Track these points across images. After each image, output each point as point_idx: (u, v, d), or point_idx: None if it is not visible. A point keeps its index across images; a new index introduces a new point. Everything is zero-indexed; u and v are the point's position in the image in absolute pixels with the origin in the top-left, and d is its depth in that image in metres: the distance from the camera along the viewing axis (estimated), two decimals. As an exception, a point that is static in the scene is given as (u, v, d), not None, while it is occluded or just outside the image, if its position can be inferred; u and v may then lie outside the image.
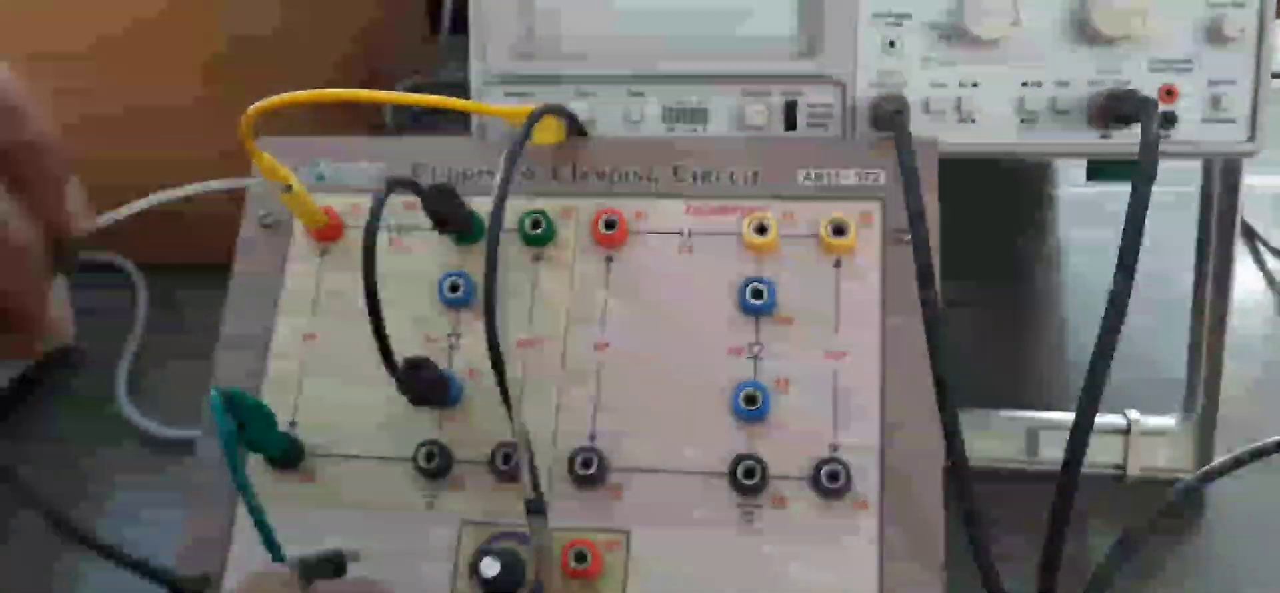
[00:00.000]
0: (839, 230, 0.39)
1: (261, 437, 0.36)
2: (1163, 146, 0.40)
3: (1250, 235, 0.57)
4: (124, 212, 0.36)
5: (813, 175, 0.40)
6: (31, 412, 0.58)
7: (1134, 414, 0.45)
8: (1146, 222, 0.58)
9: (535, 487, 0.34)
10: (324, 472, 0.38)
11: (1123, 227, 0.34)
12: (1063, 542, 0.34)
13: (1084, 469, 0.44)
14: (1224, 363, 0.45)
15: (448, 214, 0.38)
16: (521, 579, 0.35)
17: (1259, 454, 0.40)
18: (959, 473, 0.34)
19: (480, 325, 0.39)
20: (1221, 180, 0.45)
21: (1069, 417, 0.45)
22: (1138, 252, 0.34)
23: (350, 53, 0.63)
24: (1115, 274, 0.33)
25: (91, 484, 0.54)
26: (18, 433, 0.57)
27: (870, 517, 0.36)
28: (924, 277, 0.35)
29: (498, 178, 0.35)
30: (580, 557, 0.36)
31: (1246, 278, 0.55)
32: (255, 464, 0.38)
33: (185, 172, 0.37)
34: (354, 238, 0.41)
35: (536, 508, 0.34)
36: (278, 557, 0.32)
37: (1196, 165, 0.45)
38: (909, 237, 0.38)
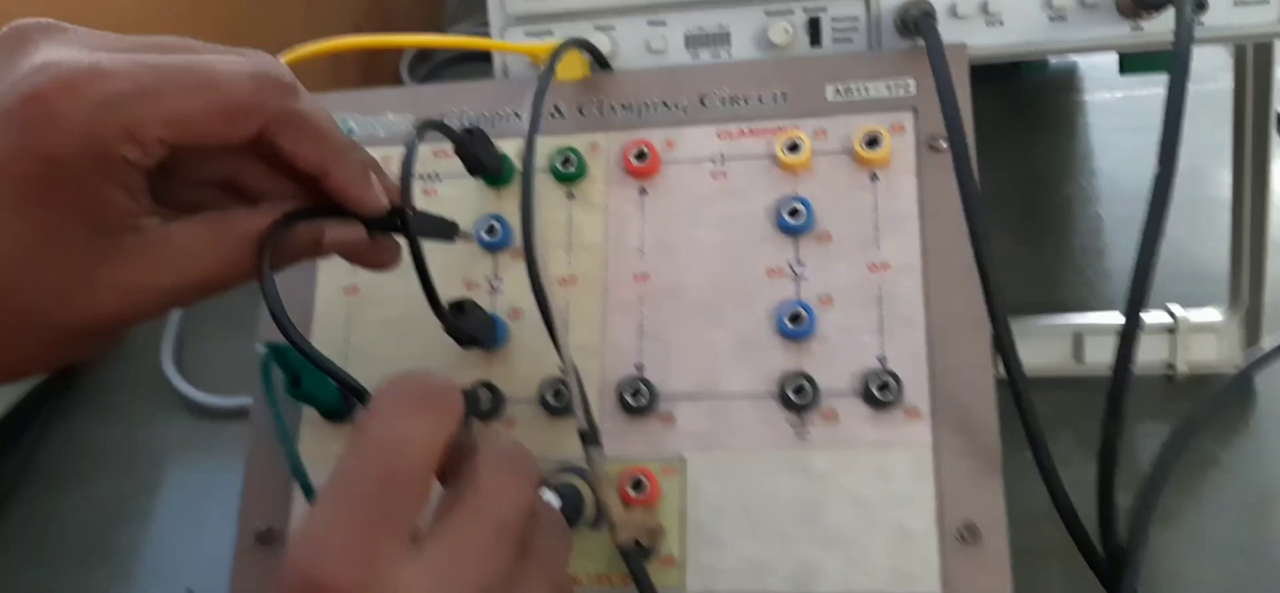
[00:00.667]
0: (872, 142, 0.38)
1: (314, 389, 0.36)
2: (1197, 33, 0.39)
3: (1286, 126, 0.56)
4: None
5: (842, 90, 0.40)
6: (80, 384, 0.58)
7: (1179, 310, 0.45)
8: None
9: (588, 416, 0.34)
10: (376, 422, 0.39)
11: (1163, 115, 0.33)
12: (1119, 437, 0.34)
13: (1132, 374, 0.45)
14: (1267, 254, 0.44)
15: (480, 157, 0.38)
16: (581, 511, 0.36)
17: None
18: (1014, 381, 0.33)
19: (519, 267, 0.39)
20: (1254, 68, 0.44)
21: (1114, 318, 0.46)
22: (1178, 140, 0.33)
23: (362, 15, 0.63)
24: (1157, 164, 0.33)
25: (143, 455, 0.55)
26: (68, 406, 0.58)
27: (922, 425, 0.36)
28: (966, 190, 0.34)
29: (527, 112, 0.35)
30: (637, 484, 0.36)
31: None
32: (310, 416, 0.38)
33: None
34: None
35: (591, 437, 0.34)
36: (300, 477, 0.33)
37: (1226, 63, 0.45)
38: (944, 144, 0.38)
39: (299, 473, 0.34)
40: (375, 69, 0.70)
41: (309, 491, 0.34)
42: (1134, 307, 0.33)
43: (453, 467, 0.27)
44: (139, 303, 0.29)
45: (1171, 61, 0.33)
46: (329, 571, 0.24)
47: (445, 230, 0.36)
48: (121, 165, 0.27)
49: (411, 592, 0.24)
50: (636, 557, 0.35)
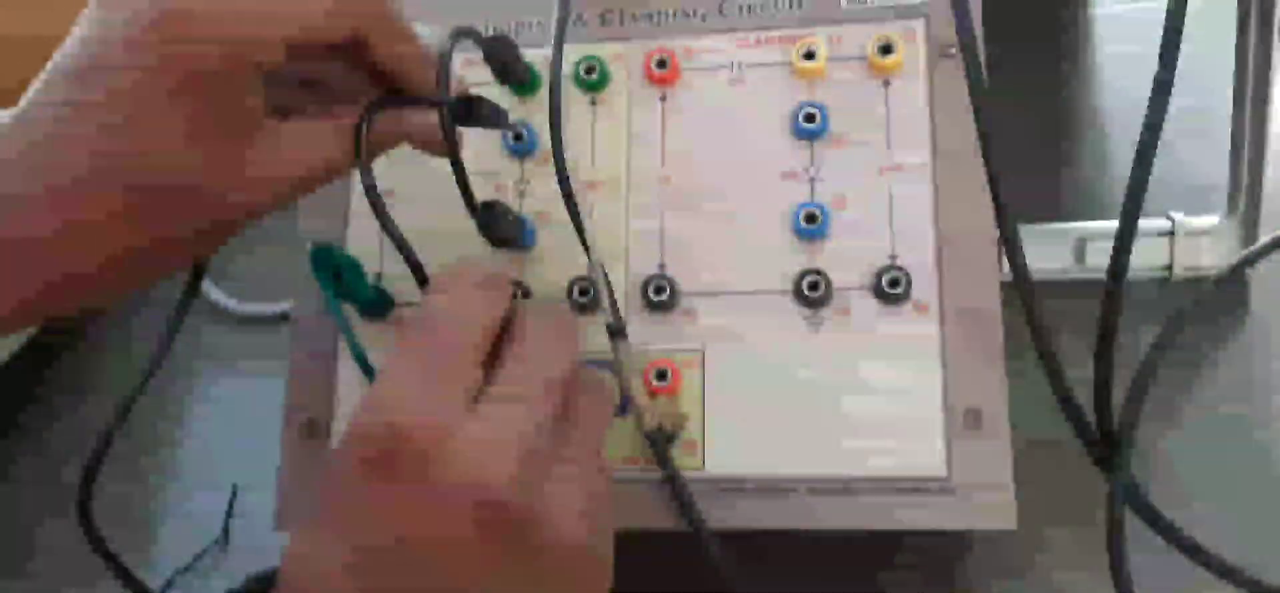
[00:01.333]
0: (886, 50, 0.40)
1: (353, 287, 0.38)
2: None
3: (1289, 38, 0.57)
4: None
5: (857, -1, 0.41)
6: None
7: (1178, 216, 0.47)
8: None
9: (615, 311, 0.36)
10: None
11: (1165, 17, 0.34)
12: (1115, 326, 0.36)
13: (1131, 273, 0.46)
14: (1265, 162, 0.46)
15: (507, 64, 0.40)
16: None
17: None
18: (1018, 276, 0.35)
19: (545, 172, 0.41)
20: (1260, -24, 0.45)
21: (1115, 225, 0.47)
22: (1179, 43, 0.34)
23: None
24: (1157, 70, 0.34)
25: (180, 362, 0.57)
26: (105, 317, 0.60)
27: (930, 319, 0.38)
28: (976, 95, 0.36)
29: (552, 22, 0.36)
30: (661, 375, 0.38)
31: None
32: (348, 314, 0.40)
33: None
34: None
35: (618, 330, 0.36)
36: (369, 374, 0.35)
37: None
38: (955, 51, 0.39)
39: (359, 356, 0.36)
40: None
41: (370, 372, 0.36)
42: (1134, 190, 0.34)
43: (504, 338, 0.31)
44: (270, 194, 0.32)
45: None
46: (403, 417, 0.27)
47: (501, 118, 0.38)
48: (252, 70, 0.30)
49: (471, 438, 0.27)
50: (661, 441, 0.37)
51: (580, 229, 0.36)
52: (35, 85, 0.30)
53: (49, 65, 0.30)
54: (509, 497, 0.27)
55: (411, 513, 0.27)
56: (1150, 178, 0.42)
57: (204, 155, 0.30)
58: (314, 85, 0.35)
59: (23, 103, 0.30)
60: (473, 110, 0.35)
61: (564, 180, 0.36)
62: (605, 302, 0.36)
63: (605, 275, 0.36)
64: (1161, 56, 0.33)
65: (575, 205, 0.36)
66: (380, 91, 0.34)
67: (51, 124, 0.29)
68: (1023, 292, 0.35)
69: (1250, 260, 0.40)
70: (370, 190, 0.34)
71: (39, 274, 0.30)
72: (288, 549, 0.28)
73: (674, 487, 0.37)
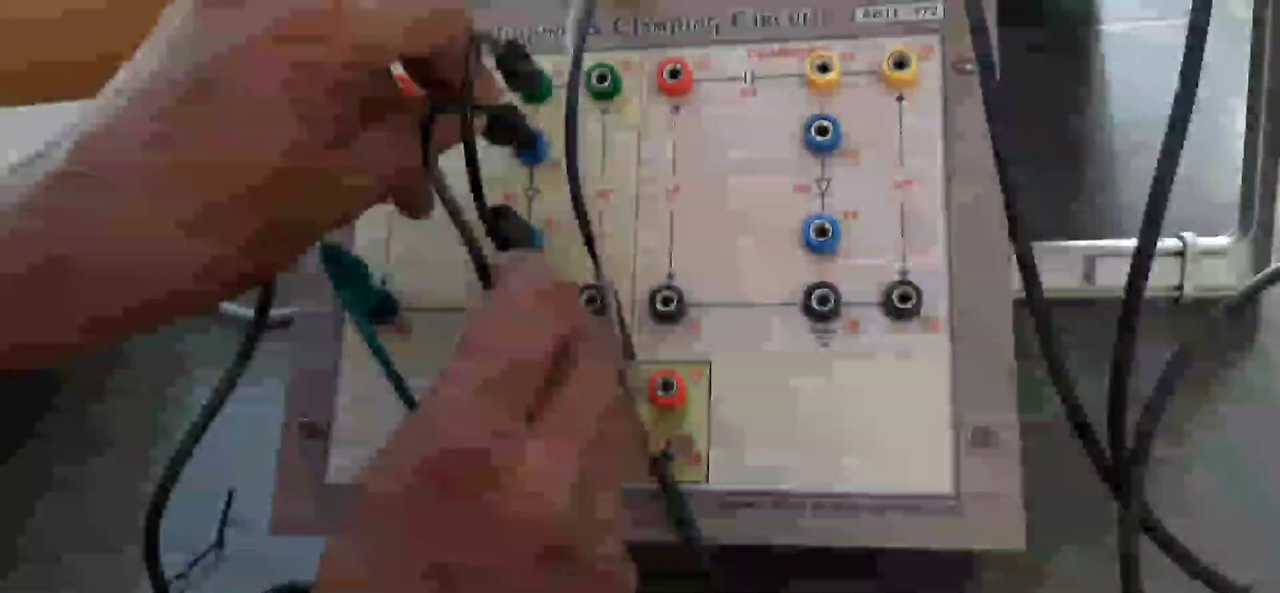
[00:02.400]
0: (900, 64, 0.39)
1: (360, 289, 0.38)
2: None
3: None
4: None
5: (871, 12, 0.41)
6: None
7: (1189, 236, 0.46)
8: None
9: (624, 333, 0.36)
10: (418, 324, 0.40)
11: (1187, 36, 0.34)
12: (1131, 352, 0.35)
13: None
14: (1279, 181, 0.45)
15: (520, 70, 0.39)
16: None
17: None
18: (1032, 296, 0.35)
19: (554, 178, 0.41)
20: (1274, -1, 0.45)
21: (1126, 243, 0.47)
22: (1200, 62, 0.34)
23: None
24: (1178, 86, 0.34)
25: (179, 364, 0.57)
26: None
27: (941, 335, 0.37)
28: (992, 112, 0.35)
29: (569, 32, 0.36)
30: (666, 386, 0.38)
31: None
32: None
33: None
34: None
35: (626, 353, 0.36)
36: (393, 377, 0.35)
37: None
38: (970, 67, 0.39)
39: (378, 350, 0.35)
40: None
41: (388, 365, 0.35)
42: (1154, 207, 0.34)
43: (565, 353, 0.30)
44: (357, 203, 0.32)
45: None
46: (464, 436, 0.27)
47: (533, 138, 0.40)
48: (367, 77, 0.30)
49: (532, 461, 0.27)
50: (663, 462, 0.37)
51: (592, 249, 0.36)
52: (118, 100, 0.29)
53: (131, 77, 0.29)
54: (566, 526, 0.27)
55: (469, 537, 0.27)
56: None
57: (315, 163, 0.29)
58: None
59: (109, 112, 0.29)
60: (515, 126, 0.36)
61: (579, 202, 0.35)
62: (615, 325, 0.35)
63: (618, 298, 0.36)
64: (1183, 73, 0.33)
65: (588, 227, 0.35)
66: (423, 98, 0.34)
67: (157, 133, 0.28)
68: (1037, 314, 0.35)
69: (1260, 287, 0.40)
70: (443, 190, 0.33)
71: (136, 290, 0.29)
72: (326, 557, 0.28)
73: (670, 506, 0.37)
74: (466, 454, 0.26)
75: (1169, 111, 0.33)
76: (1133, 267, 0.34)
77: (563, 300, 0.31)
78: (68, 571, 0.51)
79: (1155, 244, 0.34)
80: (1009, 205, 0.35)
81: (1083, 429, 0.36)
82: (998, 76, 0.38)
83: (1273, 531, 0.41)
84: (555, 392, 0.29)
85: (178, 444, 0.50)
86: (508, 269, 0.31)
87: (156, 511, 0.38)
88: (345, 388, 0.40)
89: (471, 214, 0.34)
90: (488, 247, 0.38)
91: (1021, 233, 0.35)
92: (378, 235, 0.42)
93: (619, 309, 0.36)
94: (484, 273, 0.33)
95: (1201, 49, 0.33)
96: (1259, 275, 0.41)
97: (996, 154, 0.35)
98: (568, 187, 0.36)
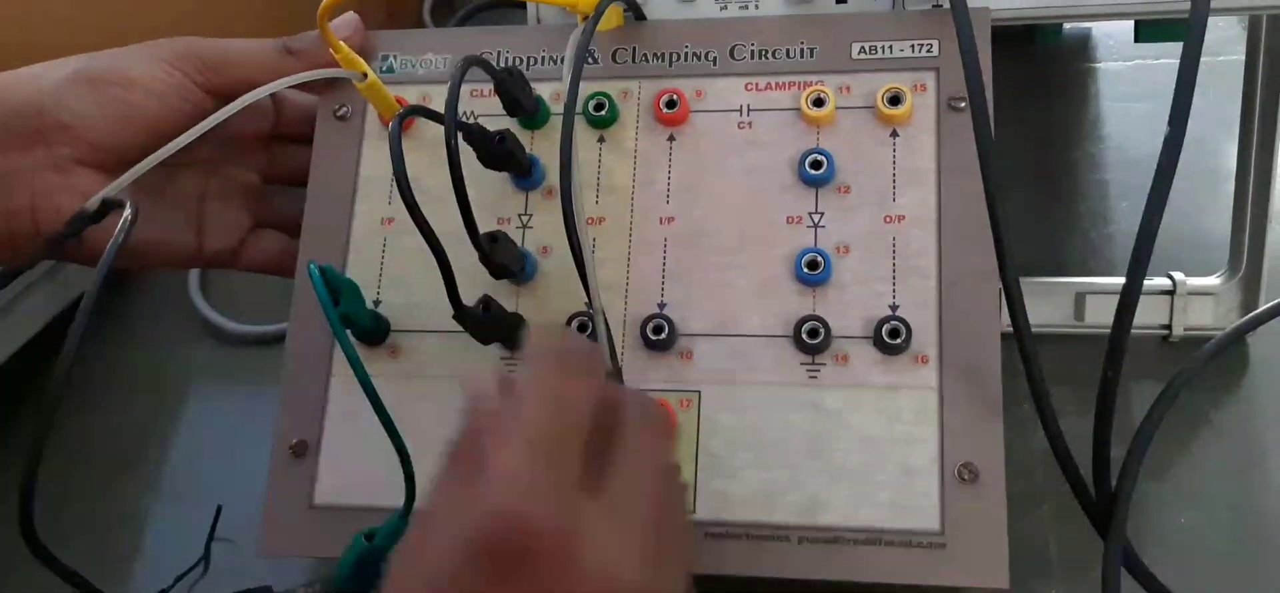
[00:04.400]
0: (895, 100, 0.40)
1: (352, 311, 0.38)
2: (1216, 2, 0.41)
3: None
4: (211, 121, 0.38)
5: (867, 48, 0.41)
6: (109, 312, 0.60)
7: (1179, 275, 0.47)
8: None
9: (613, 356, 0.36)
10: (409, 346, 0.41)
11: (1177, 79, 0.34)
12: (1115, 390, 0.36)
13: (1131, 331, 0.46)
14: (1269, 224, 0.46)
15: (517, 97, 0.40)
16: (604, 439, 0.38)
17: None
18: (1020, 332, 0.35)
19: (549, 205, 0.41)
20: (1266, 40, 0.45)
21: (1115, 281, 0.47)
22: (1189, 107, 0.34)
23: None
24: (1169, 126, 0.34)
25: (171, 379, 0.57)
26: (98, 332, 0.60)
27: (930, 370, 0.38)
28: (984, 149, 0.36)
29: (566, 60, 0.36)
30: (656, 415, 0.38)
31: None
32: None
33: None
34: (426, 126, 0.42)
35: (615, 377, 0.36)
36: (379, 410, 0.34)
37: (1239, 36, 0.46)
38: (964, 104, 0.39)
39: (363, 379, 0.35)
40: (397, 16, 0.70)
41: (373, 395, 0.35)
42: (1140, 250, 0.34)
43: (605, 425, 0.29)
44: None
45: (1183, 33, 0.34)
46: (530, 511, 0.25)
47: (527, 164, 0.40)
48: None
49: (599, 542, 0.26)
50: None
51: (584, 277, 0.36)
52: None
53: None
54: None
55: None
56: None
57: None
58: None
59: None
60: (511, 151, 0.37)
61: (572, 229, 0.35)
62: (604, 349, 0.36)
63: (607, 322, 0.36)
64: (1172, 115, 0.33)
65: (582, 254, 0.35)
66: None
67: None
68: (1024, 352, 0.35)
69: (1248, 327, 0.40)
70: (422, 223, 0.34)
71: None
72: None
73: None
74: (525, 529, 0.25)
75: (1160, 151, 0.34)
76: (1118, 310, 0.34)
77: (592, 368, 0.30)
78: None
79: (1140, 290, 0.34)
80: (997, 240, 0.35)
81: (1065, 463, 0.36)
82: (991, 114, 0.39)
83: (1256, 570, 0.41)
84: (609, 462, 0.28)
85: (149, 455, 0.50)
86: (540, 342, 0.30)
87: (31, 472, 0.36)
88: (335, 409, 0.40)
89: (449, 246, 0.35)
90: (479, 277, 0.38)
91: (1008, 267, 0.35)
92: (373, 252, 0.42)
93: (609, 336, 0.36)
94: (456, 301, 0.34)
95: (1190, 96, 0.34)
96: (1246, 317, 0.42)
97: (987, 190, 0.36)
98: (562, 213, 0.36)
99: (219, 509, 0.51)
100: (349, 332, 0.40)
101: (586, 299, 0.36)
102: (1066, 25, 0.61)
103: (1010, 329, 0.45)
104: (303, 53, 0.42)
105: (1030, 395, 0.35)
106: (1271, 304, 0.40)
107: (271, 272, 0.47)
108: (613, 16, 0.42)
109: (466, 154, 0.38)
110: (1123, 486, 0.36)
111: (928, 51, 0.41)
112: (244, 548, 0.47)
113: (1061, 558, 0.42)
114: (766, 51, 0.42)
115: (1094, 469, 0.36)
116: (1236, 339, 0.40)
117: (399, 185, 0.33)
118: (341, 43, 0.38)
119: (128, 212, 0.34)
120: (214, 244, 0.45)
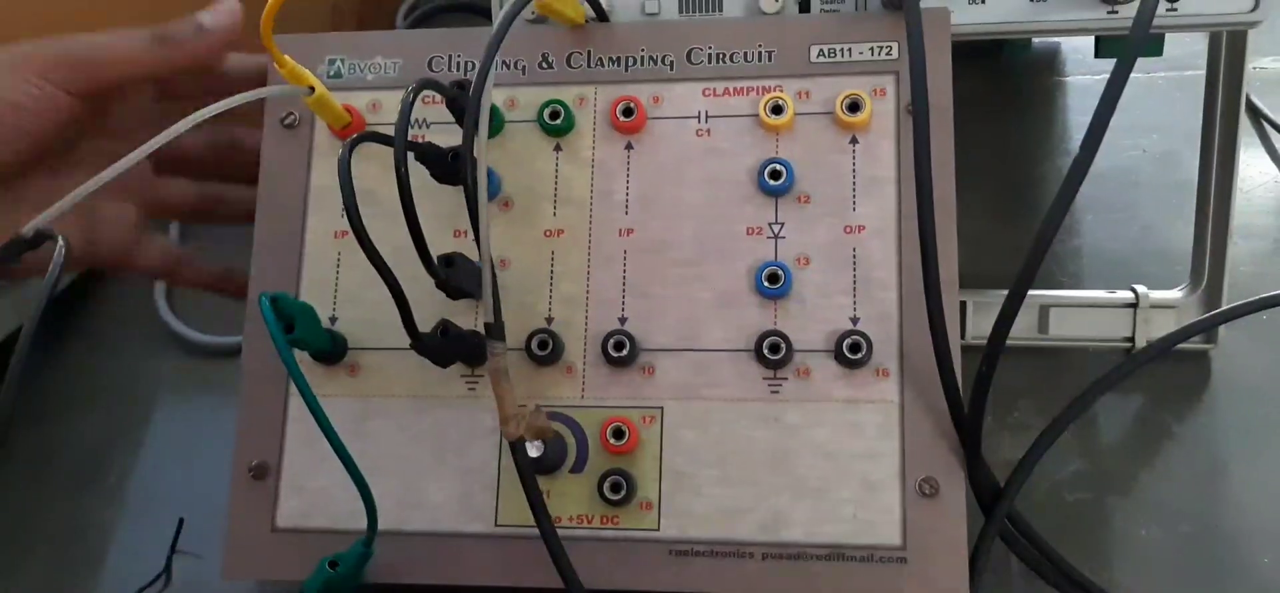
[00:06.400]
0: (854, 107, 0.39)
1: (308, 335, 0.37)
2: (1169, 19, 0.40)
3: (1257, 116, 0.57)
4: (169, 134, 0.37)
5: (826, 51, 0.40)
6: (73, 322, 0.59)
7: (1142, 289, 0.47)
8: (1154, 104, 0.58)
9: (495, 310, 0.34)
10: (368, 364, 0.40)
11: (1102, 95, 0.33)
12: (988, 387, 0.36)
13: (1095, 342, 0.47)
14: (1230, 239, 0.46)
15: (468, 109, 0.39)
16: (564, 458, 0.37)
17: (1246, 310, 0.41)
18: (937, 341, 0.35)
19: (506, 217, 0.40)
20: (1227, 56, 0.45)
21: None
22: (1105, 125, 0.32)
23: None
24: (1081, 147, 0.33)
25: (135, 390, 0.56)
26: (62, 342, 0.58)
27: (891, 384, 0.37)
28: (920, 144, 0.35)
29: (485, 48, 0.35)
30: (618, 433, 0.37)
31: (1253, 159, 0.56)
32: (302, 361, 0.39)
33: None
34: (378, 136, 0.41)
35: (495, 332, 0.34)
36: (335, 442, 0.34)
37: (1204, 51, 0.46)
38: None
39: (316, 410, 0.33)
40: (373, 21, 0.69)
41: (325, 422, 0.34)
42: (1024, 276, 0.34)
43: None
44: None
45: (1125, 46, 0.33)
46: None
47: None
48: None
49: None
50: (522, 452, 0.34)
51: (480, 240, 0.34)
52: None
53: None
54: None
55: None
56: (1121, 249, 0.41)
57: None
58: None
59: None
60: (458, 167, 0.36)
61: (478, 228, 0.34)
62: (486, 300, 0.34)
63: (494, 270, 0.34)
64: (1088, 133, 0.33)
65: (480, 223, 0.34)
66: None
67: None
68: (940, 361, 0.35)
69: (1195, 329, 0.41)
70: (370, 250, 0.33)
71: None
72: None
73: (544, 536, 0.34)
74: None
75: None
76: (998, 319, 0.35)
77: None
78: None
79: (1022, 301, 0.34)
80: (924, 245, 0.35)
81: (973, 451, 0.37)
82: (949, 121, 0.38)
83: (1216, 584, 0.41)
84: None
85: (112, 465, 0.49)
86: None
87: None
88: (294, 429, 0.40)
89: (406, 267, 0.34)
90: (435, 296, 0.37)
91: (933, 276, 0.35)
92: (327, 266, 0.41)
93: (495, 286, 0.34)
94: (412, 330, 0.34)
95: (1107, 118, 0.32)
96: (1203, 316, 0.42)
97: (919, 195, 0.35)
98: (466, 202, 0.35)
99: (181, 522, 0.50)
100: (306, 352, 0.39)
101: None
102: (1035, 40, 0.61)
103: (974, 342, 0.45)
104: (176, 43, 0.41)
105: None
106: (1218, 311, 0.40)
107: (163, 278, 0.47)
108: (575, 8, 0.41)
109: (419, 171, 0.38)
110: (1011, 481, 0.38)
111: (887, 55, 0.40)
112: (207, 562, 0.46)
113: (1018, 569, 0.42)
114: (724, 55, 0.41)
115: (966, 456, 0.37)
116: (1162, 350, 0.41)
117: (351, 222, 0.32)
118: (286, 57, 0.37)
119: (60, 245, 0.33)
120: (107, 239, 0.44)
